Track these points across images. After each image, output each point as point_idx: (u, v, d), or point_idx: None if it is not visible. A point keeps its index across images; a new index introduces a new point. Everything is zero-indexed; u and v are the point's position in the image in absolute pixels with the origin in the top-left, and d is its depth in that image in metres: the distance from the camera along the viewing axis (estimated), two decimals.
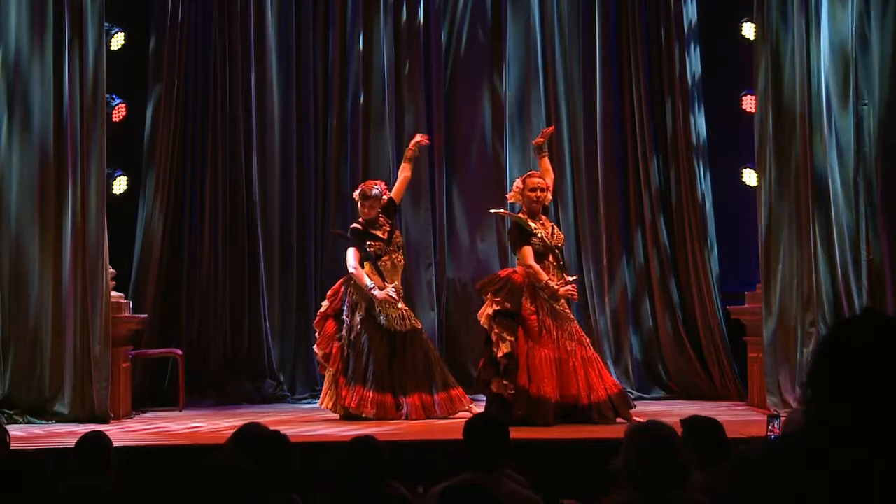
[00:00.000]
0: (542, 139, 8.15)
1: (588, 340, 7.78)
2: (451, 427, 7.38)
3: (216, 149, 9.96)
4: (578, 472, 5.76)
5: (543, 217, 7.82)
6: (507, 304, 7.50)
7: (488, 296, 7.65)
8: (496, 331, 7.52)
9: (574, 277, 7.87)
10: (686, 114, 9.82)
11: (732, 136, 9.80)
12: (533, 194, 7.69)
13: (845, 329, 2.04)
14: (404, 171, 8.44)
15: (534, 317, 7.50)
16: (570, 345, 7.56)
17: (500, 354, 7.45)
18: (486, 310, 7.63)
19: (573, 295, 7.66)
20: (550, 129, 8.54)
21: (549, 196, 7.90)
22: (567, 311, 7.68)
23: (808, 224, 7.98)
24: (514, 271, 7.68)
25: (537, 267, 7.57)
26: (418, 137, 8.48)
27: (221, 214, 9.93)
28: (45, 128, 8.30)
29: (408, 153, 8.44)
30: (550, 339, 7.52)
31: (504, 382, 7.46)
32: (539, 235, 7.64)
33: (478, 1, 10.22)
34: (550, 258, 7.66)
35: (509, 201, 7.96)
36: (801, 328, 7.98)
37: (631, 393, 9.67)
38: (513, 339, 7.44)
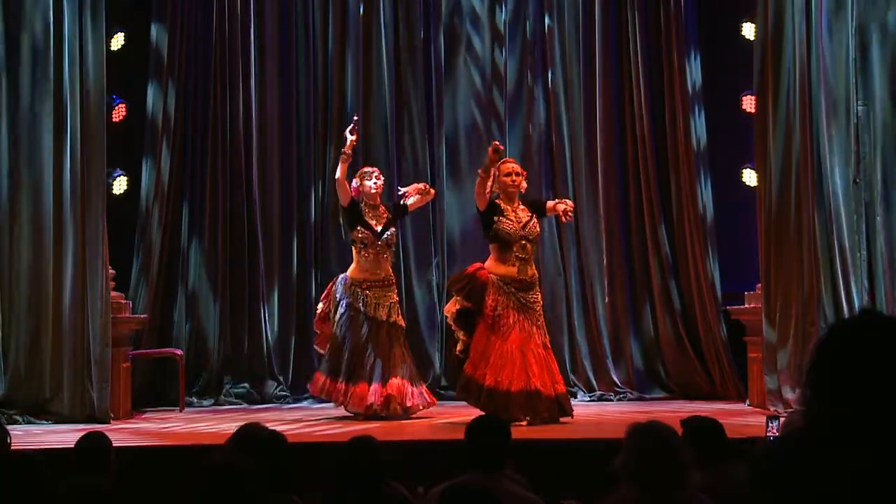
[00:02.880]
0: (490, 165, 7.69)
1: (548, 339, 7.89)
2: (451, 427, 7.40)
3: (216, 149, 9.95)
4: (578, 472, 5.75)
5: (523, 206, 7.85)
6: (468, 304, 7.66)
7: (454, 293, 7.83)
8: (454, 328, 7.76)
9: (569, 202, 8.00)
10: (686, 115, 9.81)
11: (732, 136, 9.80)
12: (508, 179, 7.75)
13: (843, 330, 2.03)
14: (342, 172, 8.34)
15: (492, 313, 7.58)
16: (538, 337, 7.67)
17: (455, 351, 7.71)
18: (451, 307, 7.82)
19: (569, 215, 7.79)
20: (498, 146, 7.81)
21: (524, 183, 7.91)
22: (537, 305, 7.74)
23: (808, 224, 7.98)
24: (481, 267, 7.77)
25: None
26: (350, 138, 8.32)
27: (221, 214, 9.93)
28: (46, 128, 8.30)
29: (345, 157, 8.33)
30: (515, 331, 7.58)
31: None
32: (505, 216, 7.69)
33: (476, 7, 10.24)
34: (515, 248, 7.69)
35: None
36: (801, 328, 7.98)
37: (631, 393, 9.72)
38: (466, 338, 7.65)
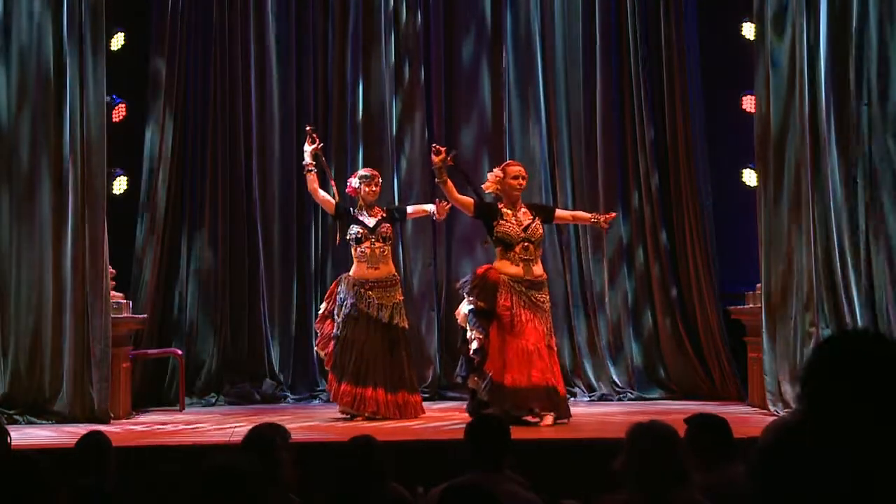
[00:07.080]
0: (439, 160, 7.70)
1: (553, 340, 7.88)
2: (451, 427, 7.40)
3: (216, 149, 9.96)
4: (578, 472, 5.75)
5: (525, 207, 7.86)
6: (481, 303, 7.63)
7: (465, 294, 7.81)
8: (469, 328, 7.70)
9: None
10: (686, 115, 9.82)
11: (732, 136, 9.80)
12: (515, 182, 7.78)
13: (830, 348, 2.05)
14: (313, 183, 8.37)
15: (507, 312, 7.59)
16: (545, 338, 7.68)
17: (470, 352, 7.62)
18: (462, 308, 7.81)
19: (605, 225, 7.88)
20: (437, 148, 7.82)
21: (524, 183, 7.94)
22: (546, 305, 7.76)
23: (807, 224, 7.97)
24: (491, 267, 7.80)
25: None
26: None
27: (221, 214, 9.93)
28: (46, 128, 8.30)
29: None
30: (529, 329, 7.59)
31: (475, 378, 7.61)
32: (505, 219, 7.71)
33: (477, 7, 10.24)
34: (517, 250, 7.70)
35: (486, 191, 7.92)
36: (801, 328, 7.98)
37: (630, 393, 9.72)
38: (482, 336, 7.59)
